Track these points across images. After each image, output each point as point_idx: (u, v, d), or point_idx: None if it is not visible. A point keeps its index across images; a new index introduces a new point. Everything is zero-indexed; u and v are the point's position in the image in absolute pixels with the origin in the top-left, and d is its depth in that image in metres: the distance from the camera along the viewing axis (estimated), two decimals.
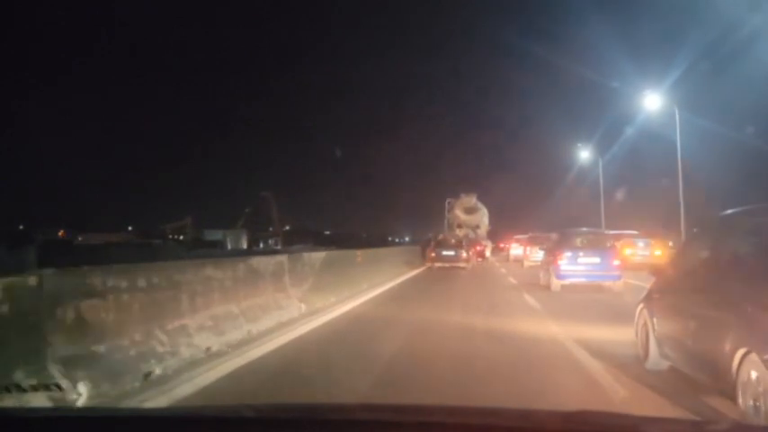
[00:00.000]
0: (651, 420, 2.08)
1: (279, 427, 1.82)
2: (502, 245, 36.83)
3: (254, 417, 1.99)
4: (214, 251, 42.73)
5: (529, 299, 11.80)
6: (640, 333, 5.71)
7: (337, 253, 15.71)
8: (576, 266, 13.44)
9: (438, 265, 22.31)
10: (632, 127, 30.82)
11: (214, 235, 63.76)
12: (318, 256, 10.94)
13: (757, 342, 3.34)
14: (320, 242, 49.87)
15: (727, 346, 3.60)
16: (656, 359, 5.27)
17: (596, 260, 13.47)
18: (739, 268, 3.99)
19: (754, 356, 3.34)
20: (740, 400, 3.49)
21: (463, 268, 22.05)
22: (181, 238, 63.04)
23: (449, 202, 37.23)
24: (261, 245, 62.16)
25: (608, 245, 14.25)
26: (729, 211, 4.67)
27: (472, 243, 27.81)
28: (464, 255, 22.75)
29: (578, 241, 14.09)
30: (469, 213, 35.77)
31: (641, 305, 5.78)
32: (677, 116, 22.03)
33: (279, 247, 52.92)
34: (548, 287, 13.74)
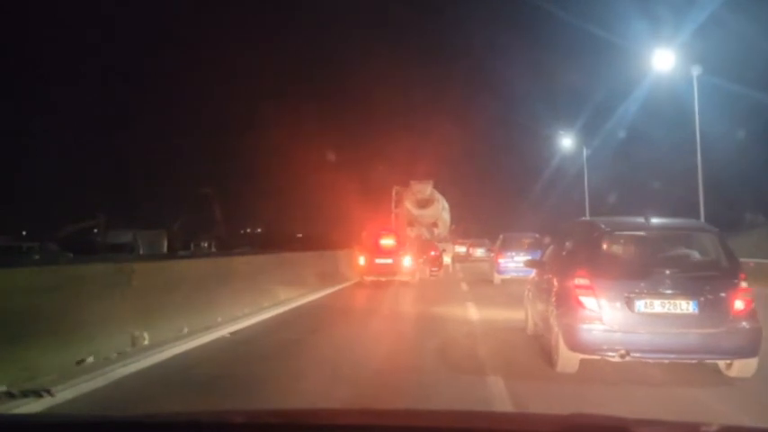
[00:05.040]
0: (646, 423, 2.29)
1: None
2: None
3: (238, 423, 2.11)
4: (120, 256, 32.68)
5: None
6: (526, 311, 8.97)
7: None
8: (512, 263, 18.57)
9: (370, 278, 18.44)
10: (635, 98, 30.26)
11: (124, 237, 52.58)
12: None
13: (554, 308, 6.74)
14: (287, 246, 41.70)
15: (548, 311, 6.88)
16: (531, 328, 8.55)
17: (528, 258, 18.19)
18: (557, 262, 7.39)
19: (554, 316, 6.63)
20: (552, 341, 6.76)
21: (406, 283, 18.21)
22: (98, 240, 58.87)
23: (396, 192, 30.28)
24: (192, 248, 58.88)
25: (539, 246, 19.26)
26: (570, 221, 8.18)
27: (424, 247, 23.12)
28: (406, 264, 18.54)
29: (515, 243, 19.46)
30: (423, 207, 29.19)
31: (526, 290, 9.04)
32: (695, 81, 20.48)
33: (213, 251, 53.05)
34: (491, 281, 19.19)
